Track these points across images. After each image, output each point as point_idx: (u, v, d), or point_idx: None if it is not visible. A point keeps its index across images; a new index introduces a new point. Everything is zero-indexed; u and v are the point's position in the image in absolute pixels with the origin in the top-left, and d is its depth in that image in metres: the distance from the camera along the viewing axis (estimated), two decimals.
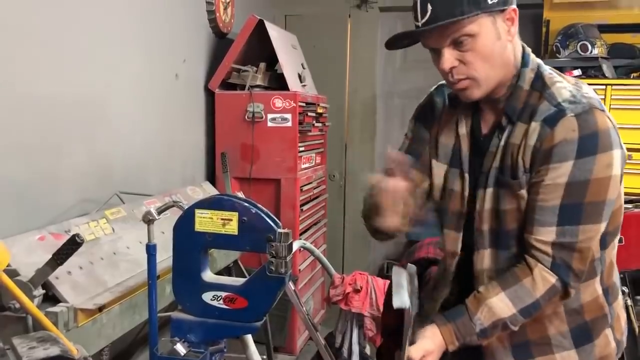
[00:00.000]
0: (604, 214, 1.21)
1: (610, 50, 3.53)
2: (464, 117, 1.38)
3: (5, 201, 1.84)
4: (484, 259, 1.32)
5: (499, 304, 1.22)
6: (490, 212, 1.30)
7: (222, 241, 1.31)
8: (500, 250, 1.31)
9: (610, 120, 1.21)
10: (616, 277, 1.36)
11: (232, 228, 1.30)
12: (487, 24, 1.20)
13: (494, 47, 1.22)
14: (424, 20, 1.19)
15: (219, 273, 2.52)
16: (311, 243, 3.44)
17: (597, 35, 3.51)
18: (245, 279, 1.35)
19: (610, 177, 1.19)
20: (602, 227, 1.22)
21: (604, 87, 3.35)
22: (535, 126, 1.22)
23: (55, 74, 2.06)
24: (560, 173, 1.18)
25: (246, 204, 1.30)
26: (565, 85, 1.24)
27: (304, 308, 2.56)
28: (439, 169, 1.42)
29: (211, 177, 3.29)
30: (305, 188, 3.33)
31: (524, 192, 1.24)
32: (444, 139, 1.41)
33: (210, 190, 2.85)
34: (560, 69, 3.53)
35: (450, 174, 1.39)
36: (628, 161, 3.57)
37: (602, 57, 3.44)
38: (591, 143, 1.17)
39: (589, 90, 1.25)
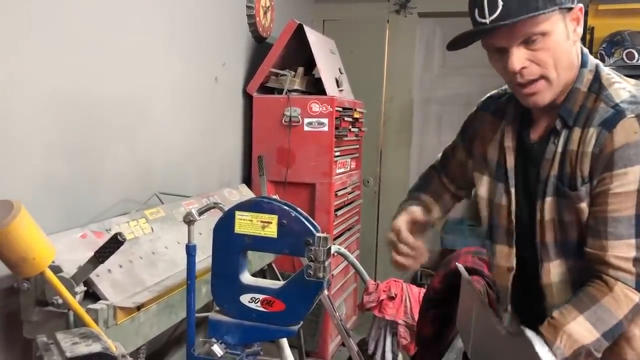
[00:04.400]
0: None
1: None
2: (510, 128, 1.33)
3: (49, 199, 1.88)
4: (550, 272, 1.24)
5: (579, 329, 1.09)
6: (552, 223, 1.22)
7: (261, 244, 1.32)
8: (569, 259, 1.23)
9: None
10: None
11: (272, 231, 1.30)
12: (559, 22, 1.15)
13: (565, 46, 1.17)
14: (493, 17, 1.11)
15: (253, 276, 2.53)
16: (345, 248, 3.44)
17: None
18: (282, 282, 1.35)
19: None
20: None
21: None
22: (592, 131, 1.15)
23: (99, 76, 2.10)
24: (629, 180, 1.10)
25: (286, 207, 1.30)
26: (624, 86, 1.18)
27: (337, 314, 2.55)
28: (484, 184, 1.38)
29: (247, 180, 3.32)
30: (339, 193, 3.32)
31: (583, 205, 1.16)
32: (489, 153, 1.37)
33: (246, 193, 2.87)
34: None
35: (497, 189, 1.34)
36: None
37: None
38: None
39: None
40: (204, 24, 2.82)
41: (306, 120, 3.15)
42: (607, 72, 1.22)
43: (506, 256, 1.33)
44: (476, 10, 1.14)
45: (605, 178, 1.13)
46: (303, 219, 1.30)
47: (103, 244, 1.42)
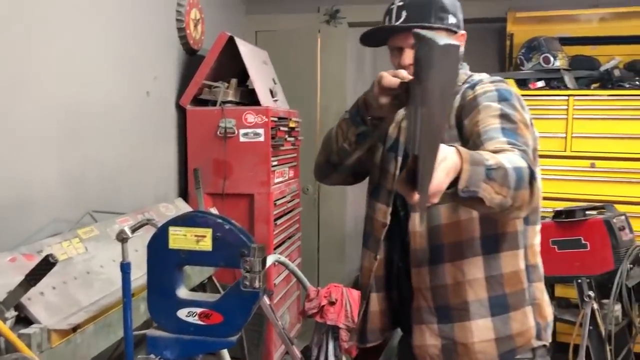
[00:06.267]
0: (531, 151, 1.28)
1: (572, 62, 3.65)
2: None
3: None
4: (416, 221, 1.44)
5: (496, 155, 1.15)
6: None
7: (196, 258, 1.33)
8: (431, 210, 1.42)
9: None
10: (540, 263, 1.46)
11: (206, 244, 1.32)
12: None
13: None
14: (398, 23, 1.44)
15: (193, 290, 2.51)
16: (286, 257, 3.45)
17: (559, 47, 3.63)
18: (219, 294, 1.37)
19: (528, 127, 1.32)
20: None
21: (566, 97, 3.46)
22: (458, 97, 1.42)
23: (24, 90, 2.05)
24: (492, 109, 1.31)
25: (219, 220, 1.33)
26: (485, 76, 1.48)
27: (280, 322, 2.57)
28: (379, 153, 1.60)
29: (184, 194, 3.29)
30: (278, 202, 3.35)
31: None
32: (389, 130, 1.59)
33: (183, 207, 2.85)
34: (525, 81, 3.66)
35: (388, 158, 1.56)
36: (591, 169, 3.68)
37: (563, 69, 3.56)
38: (508, 95, 1.36)
39: None
40: (133, 37, 2.79)
41: (242, 131, 3.17)
42: (477, 74, 1.51)
43: (383, 213, 1.54)
44: (387, 18, 1.48)
45: (474, 115, 1.34)
46: (237, 231, 1.33)
47: (34, 267, 1.40)
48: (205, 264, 1.36)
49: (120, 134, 2.69)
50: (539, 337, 1.41)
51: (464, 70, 1.53)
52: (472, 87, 1.42)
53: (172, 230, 1.33)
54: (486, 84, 1.41)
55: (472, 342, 1.37)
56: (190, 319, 1.35)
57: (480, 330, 1.37)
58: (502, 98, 1.35)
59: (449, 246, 1.40)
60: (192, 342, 1.35)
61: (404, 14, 1.43)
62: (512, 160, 1.15)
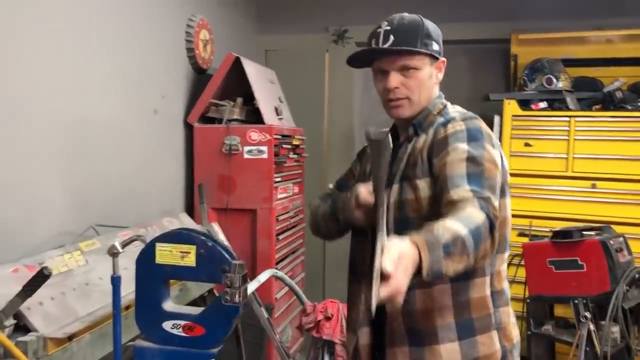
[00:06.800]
0: (498, 192, 1.38)
1: (574, 84, 3.68)
2: None
3: None
4: None
5: (452, 223, 1.21)
6: (395, 204, 1.48)
7: (181, 273, 1.41)
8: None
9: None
10: (506, 288, 1.53)
11: (190, 260, 1.40)
12: (427, 64, 1.54)
13: (428, 83, 1.55)
14: (386, 46, 1.49)
15: (193, 302, 2.59)
16: (288, 271, 3.52)
17: (562, 69, 3.67)
18: (203, 308, 1.44)
19: (497, 165, 1.40)
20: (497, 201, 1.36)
21: (568, 119, 3.49)
22: (432, 131, 1.52)
23: (32, 107, 2.15)
24: (459, 152, 1.39)
25: (203, 237, 1.40)
26: (458, 110, 1.58)
27: (278, 336, 2.63)
28: None
29: (190, 208, 3.38)
30: (281, 218, 3.42)
31: (419, 181, 1.45)
32: (369, 168, 1.65)
33: (187, 222, 2.94)
34: (528, 102, 3.69)
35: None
36: (592, 190, 3.68)
37: (566, 90, 3.59)
38: (478, 134, 1.43)
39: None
40: (142, 58, 2.90)
41: (246, 149, 3.26)
42: (451, 105, 1.61)
43: (368, 244, 1.55)
44: (374, 40, 1.53)
45: (443, 156, 1.42)
46: (220, 248, 1.40)
47: (30, 278, 1.48)
48: (189, 278, 1.44)
49: (127, 150, 2.80)
50: (504, 359, 1.46)
51: (440, 100, 1.60)
52: (445, 124, 1.50)
53: (159, 246, 1.41)
54: (458, 122, 1.48)
55: None
56: (174, 331, 1.42)
57: (449, 353, 1.42)
58: (472, 138, 1.42)
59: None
60: (176, 353, 1.42)
61: (391, 37, 1.49)
62: (469, 220, 1.22)
